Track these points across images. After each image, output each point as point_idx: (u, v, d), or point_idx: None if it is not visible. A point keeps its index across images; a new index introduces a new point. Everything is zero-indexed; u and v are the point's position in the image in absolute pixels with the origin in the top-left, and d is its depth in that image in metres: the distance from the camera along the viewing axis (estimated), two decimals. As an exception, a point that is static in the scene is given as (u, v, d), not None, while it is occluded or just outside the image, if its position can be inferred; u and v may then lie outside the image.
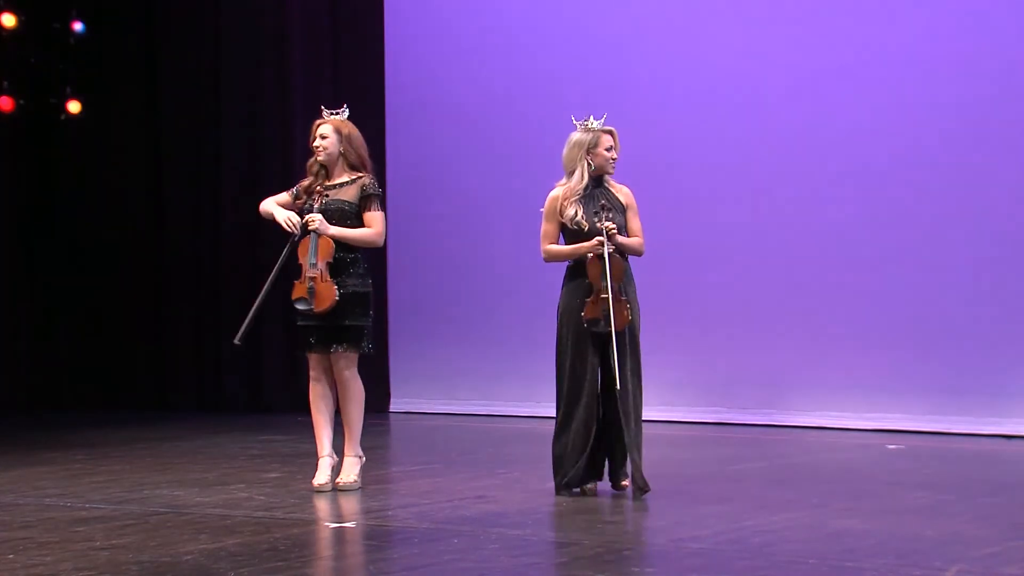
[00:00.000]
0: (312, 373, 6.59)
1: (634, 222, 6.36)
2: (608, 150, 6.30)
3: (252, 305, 6.52)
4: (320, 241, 6.36)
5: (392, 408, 10.57)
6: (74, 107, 11.14)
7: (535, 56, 10.16)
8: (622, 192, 6.41)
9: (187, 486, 6.68)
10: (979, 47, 8.75)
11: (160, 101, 11.28)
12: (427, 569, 4.80)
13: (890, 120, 9.00)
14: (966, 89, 8.77)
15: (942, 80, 8.86)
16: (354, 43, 10.86)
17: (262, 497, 6.33)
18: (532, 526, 5.59)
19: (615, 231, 6.17)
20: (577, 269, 6.31)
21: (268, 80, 10.92)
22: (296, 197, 6.57)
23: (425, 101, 10.48)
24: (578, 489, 6.27)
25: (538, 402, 9.92)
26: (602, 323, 6.12)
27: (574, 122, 6.38)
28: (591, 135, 6.30)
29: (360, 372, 9.69)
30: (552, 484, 6.36)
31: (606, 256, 6.11)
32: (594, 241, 6.18)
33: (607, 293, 6.09)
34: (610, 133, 6.34)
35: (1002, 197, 8.65)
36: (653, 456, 6.60)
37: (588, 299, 6.20)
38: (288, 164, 10.68)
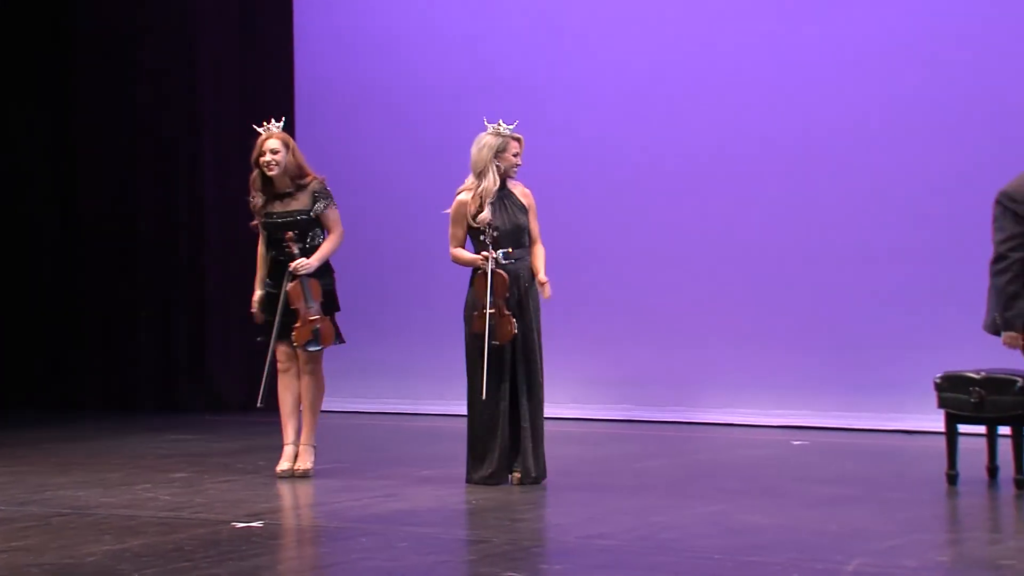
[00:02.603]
0: (281, 365, 6.80)
1: (534, 223, 6.54)
2: (515, 155, 6.46)
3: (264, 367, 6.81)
4: (310, 283, 6.66)
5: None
6: None
7: (449, 55, 10.11)
8: (524, 194, 6.54)
9: (91, 486, 6.56)
10: (901, 49, 8.84)
11: (71, 97, 11.09)
12: (335, 568, 4.76)
13: (802, 124, 9.06)
14: (875, 96, 8.87)
15: (854, 84, 8.94)
16: (263, 43, 10.77)
17: (168, 497, 6.24)
18: (441, 524, 5.57)
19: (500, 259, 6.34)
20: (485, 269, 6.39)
21: (177, 73, 10.78)
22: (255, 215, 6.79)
23: (333, 102, 10.39)
24: (493, 482, 6.38)
25: (449, 400, 9.90)
26: (487, 337, 6.27)
27: (486, 124, 6.47)
28: (501, 140, 6.43)
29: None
30: (464, 481, 6.41)
31: (490, 272, 6.25)
32: (480, 256, 6.30)
33: (492, 308, 6.27)
34: (518, 140, 6.48)
35: (907, 201, 8.76)
36: (564, 453, 6.63)
37: (475, 312, 6.37)
38: (197, 158, 10.58)
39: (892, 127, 8.81)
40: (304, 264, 6.63)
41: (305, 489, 6.52)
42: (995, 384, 6.22)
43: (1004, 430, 6.34)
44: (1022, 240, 5.90)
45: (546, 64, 9.79)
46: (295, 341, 6.66)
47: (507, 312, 6.33)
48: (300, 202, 6.70)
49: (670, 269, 9.38)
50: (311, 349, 6.69)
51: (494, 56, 9.97)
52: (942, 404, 6.45)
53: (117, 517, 5.68)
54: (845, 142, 8.93)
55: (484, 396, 6.33)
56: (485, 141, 6.42)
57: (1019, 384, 6.17)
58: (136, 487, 6.55)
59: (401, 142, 10.25)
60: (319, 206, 6.70)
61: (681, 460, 7.72)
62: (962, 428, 6.40)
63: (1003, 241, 5.91)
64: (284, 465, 6.77)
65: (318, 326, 6.66)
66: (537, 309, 6.50)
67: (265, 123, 6.76)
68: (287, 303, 6.65)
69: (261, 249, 6.86)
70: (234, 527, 5.43)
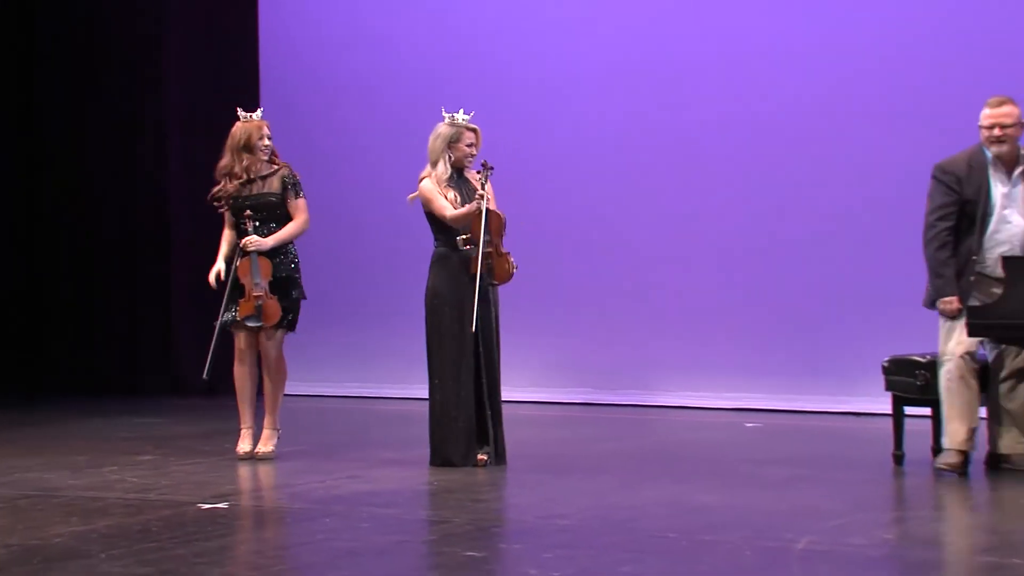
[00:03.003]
0: (238, 352, 6.80)
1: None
2: (469, 146, 6.47)
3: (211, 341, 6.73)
4: (260, 261, 6.64)
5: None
6: None
7: (414, 43, 10.09)
8: (476, 178, 6.51)
9: (59, 469, 6.51)
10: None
11: (37, 84, 10.99)
12: (299, 548, 4.75)
13: (753, 113, 9.11)
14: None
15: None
16: (228, 41, 10.72)
17: (135, 479, 6.20)
18: (403, 505, 5.57)
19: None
20: (446, 256, 6.39)
21: (144, 62, 10.72)
22: (226, 200, 6.77)
23: (296, 100, 10.36)
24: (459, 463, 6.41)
25: (410, 384, 9.90)
26: (478, 279, 6.23)
27: (443, 114, 6.49)
28: (454, 130, 6.46)
29: (232, 356, 9.42)
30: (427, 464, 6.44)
31: (484, 211, 6.24)
32: (475, 202, 6.28)
33: (489, 247, 6.26)
34: (473, 131, 6.49)
35: (856, 188, 8.82)
36: (524, 436, 6.64)
37: (471, 257, 6.31)
38: (161, 153, 10.52)
39: (840, 116, 8.87)
40: (255, 241, 6.64)
41: (270, 471, 6.51)
42: (929, 365, 6.27)
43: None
44: (950, 210, 6.03)
45: (516, 52, 9.76)
46: (237, 315, 6.65)
47: (504, 251, 6.34)
48: (270, 185, 6.75)
49: (627, 256, 9.41)
50: (250, 324, 6.65)
51: (460, 43, 9.93)
52: (889, 387, 6.51)
53: (84, 499, 5.64)
54: (796, 132, 8.98)
55: (454, 378, 6.34)
56: (440, 131, 6.46)
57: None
58: (103, 469, 6.51)
59: (366, 130, 10.23)
60: (291, 193, 6.74)
61: (637, 443, 7.75)
62: (909, 410, 6.46)
63: (932, 211, 6.10)
64: (244, 447, 6.77)
65: (260, 303, 6.63)
66: (497, 298, 6.52)
67: (245, 112, 6.80)
68: (236, 277, 6.64)
69: (227, 232, 6.84)
70: (200, 508, 5.41)
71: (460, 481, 6.12)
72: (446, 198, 6.39)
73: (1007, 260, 5.91)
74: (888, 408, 6.52)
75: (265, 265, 6.67)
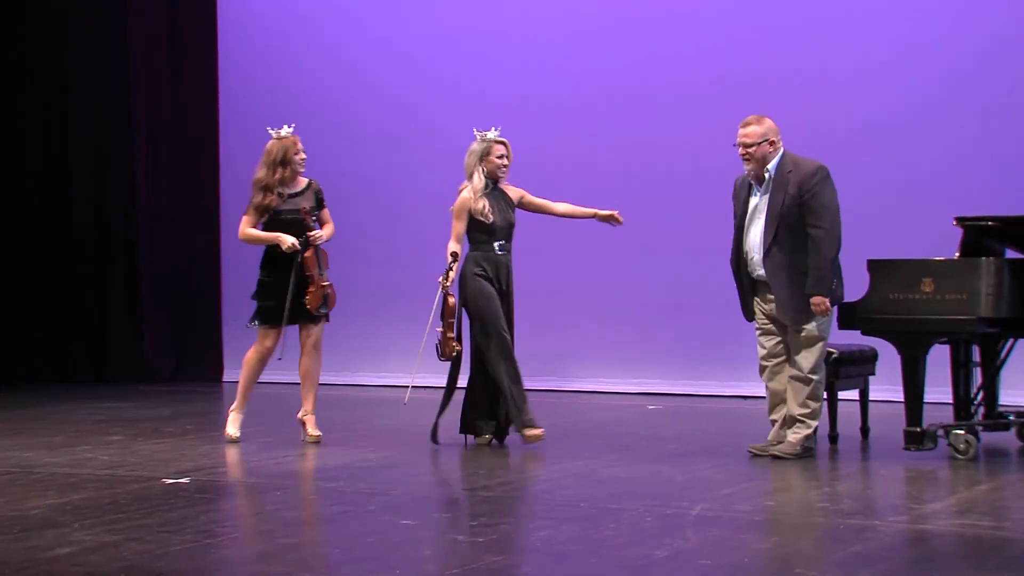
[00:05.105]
0: (267, 348, 6.57)
1: (536, 199, 6.65)
2: (500, 157, 6.43)
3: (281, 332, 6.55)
4: (323, 252, 6.55)
5: (225, 378, 10.36)
6: None
7: (372, 43, 9.99)
8: (514, 193, 6.56)
9: (36, 448, 6.43)
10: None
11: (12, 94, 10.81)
12: (251, 518, 4.74)
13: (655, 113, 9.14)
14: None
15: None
16: (190, 46, 10.62)
17: (106, 457, 6.14)
18: (346, 479, 5.57)
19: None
20: (481, 259, 6.40)
21: (110, 58, 10.57)
22: (264, 211, 6.52)
23: (255, 101, 10.26)
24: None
25: (355, 371, 9.89)
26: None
27: (475, 133, 6.47)
28: (485, 145, 6.44)
29: (196, 345, 9.49)
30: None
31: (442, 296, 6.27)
32: (448, 273, 6.28)
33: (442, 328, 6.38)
34: (503, 144, 6.46)
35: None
36: (453, 419, 6.62)
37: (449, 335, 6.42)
38: (129, 151, 10.40)
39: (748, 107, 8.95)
40: (318, 235, 6.51)
41: (229, 450, 6.46)
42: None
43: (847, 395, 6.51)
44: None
45: (463, 65, 9.71)
46: (308, 304, 6.46)
47: (451, 335, 6.36)
48: (307, 200, 6.59)
49: (546, 252, 9.41)
50: (322, 311, 6.52)
51: (416, 41, 9.84)
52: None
53: (60, 475, 5.58)
54: (700, 131, 8.79)
55: (510, 357, 6.38)
56: (472, 148, 6.45)
57: (834, 355, 6.35)
58: (77, 448, 6.44)
59: (322, 140, 10.13)
60: (320, 203, 6.62)
61: (552, 422, 7.74)
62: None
63: (837, 210, 5.91)
64: (233, 431, 6.59)
65: (328, 291, 6.54)
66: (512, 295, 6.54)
67: (276, 130, 6.61)
68: (302, 270, 6.46)
69: (257, 231, 6.56)
70: (164, 483, 5.38)
71: (395, 458, 6.13)
72: (479, 207, 6.34)
73: (870, 263, 6.05)
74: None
75: (325, 256, 6.59)
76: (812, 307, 5.82)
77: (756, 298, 6.07)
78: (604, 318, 9.32)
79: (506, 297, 6.46)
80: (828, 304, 5.84)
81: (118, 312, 10.57)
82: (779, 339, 6.02)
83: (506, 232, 6.48)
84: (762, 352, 6.09)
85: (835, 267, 5.89)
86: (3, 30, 10.77)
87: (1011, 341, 6.36)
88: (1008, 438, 6.52)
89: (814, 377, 5.90)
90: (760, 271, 5.95)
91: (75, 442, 6.68)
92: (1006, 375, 6.56)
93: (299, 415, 6.68)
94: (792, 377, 5.94)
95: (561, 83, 9.46)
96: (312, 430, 6.62)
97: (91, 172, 10.61)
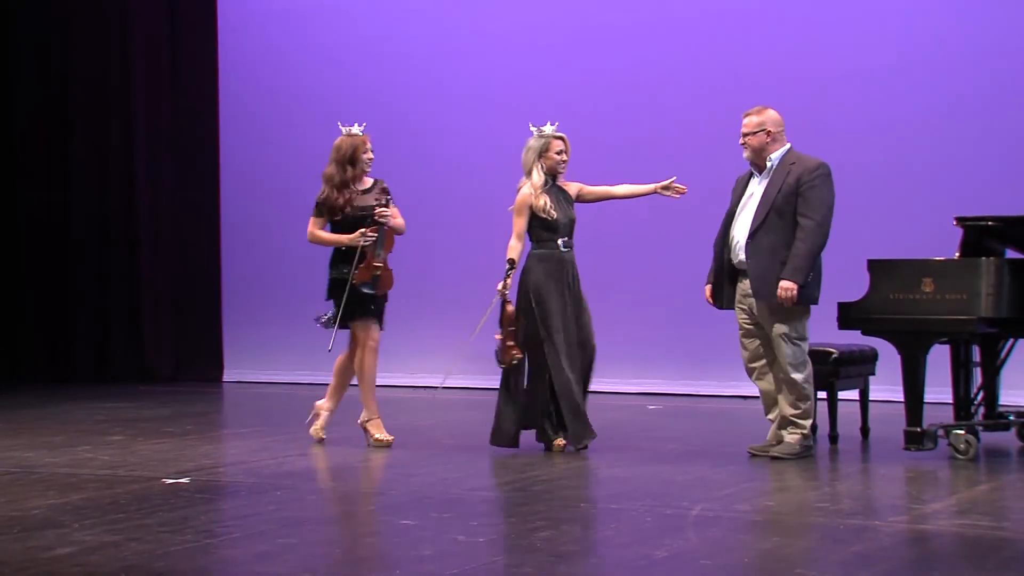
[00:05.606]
0: (371, 336, 6.43)
1: (596, 189, 6.53)
2: (558, 153, 6.32)
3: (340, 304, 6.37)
4: (387, 235, 6.29)
5: (225, 378, 10.37)
6: None
7: (365, 61, 10.02)
8: (569, 186, 6.44)
9: (37, 448, 6.43)
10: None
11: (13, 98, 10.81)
12: (252, 518, 4.74)
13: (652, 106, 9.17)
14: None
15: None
16: (190, 44, 10.63)
17: (106, 457, 6.14)
18: (347, 480, 5.57)
19: None
20: (545, 257, 6.28)
21: (109, 57, 10.58)
22: (333, 211, 6.40)
23: (255, 101, 10.28)
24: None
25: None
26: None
27: (531, 128, 6.37)
28: (543, 140, 6.32)
29: (196, 345, 9.44)
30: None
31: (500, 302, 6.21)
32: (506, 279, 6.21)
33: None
34: (561, 139, 6.35)
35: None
36: (454, 417, 6.65)
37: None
38: (130, 154, 10.40)
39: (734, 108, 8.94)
40: (384, 212, 6.28)
41: (229, 450, 6.47)
42: (813, 355, 6.37)
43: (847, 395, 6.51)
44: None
45: (466, 66, 9.69)
46: (354, 279, 6.25)
47: (511, 343, 6.23)
48: (372, 197, 6.42)
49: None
50: (365, 291, 6.28)
51: (416, 41, 9.85)
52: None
53: (60, 475, 5.58)
54: (700, 131, 8.83)
55: (570, 365, 6.25)
56: (530, 144, 6.33)
57: (834, 355, 6.35)
58: (77, 448, 6.43)
59: (321, 143, 10.17)
60: (388, 200, 6.41)
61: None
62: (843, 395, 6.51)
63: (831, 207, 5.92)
64: (319, 429, 6.52)
65: (378, 273, 6.30)
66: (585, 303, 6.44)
67: (347, 127, 6.51)
68: (363, 253, 6.25)
69: (325, 234, 6.47)
70: (164, 483, 5.38)
71: (395, 458, 6.13)
72: (540, 204, 6.23)
73: (870, 263, 6.05)
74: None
75: (390, 240, 6.35)
76: (779, 290, 5.77)
77: (737, 288, 6.02)
78: (604, 318, 9.26)
79: (574, 295, 6.33)
80: (795, 294, 5.76)
81: (118, 312, 10.57)
82: (759, 341, 6.03)
83: (568, 229, 6.34)
84: (745, 355, 6.12)
85: (816, 266, 5.87)
86: (3, 30, 10.78)
87: (1011, 341, 6.36)
88: (1008, 438, 6.52)
89: (796, 377, 5.89)
90: (742, 256, 5.95)
91: (75, 442, 6.68)
92: (1006, 375, 6.56)
93: (359, 420, 6.51)
94: (780, 378, 5.96)
95: (561, 83, 9.45)
96: (383, 433, 6.42)
97: (91, 172, 10.61)
